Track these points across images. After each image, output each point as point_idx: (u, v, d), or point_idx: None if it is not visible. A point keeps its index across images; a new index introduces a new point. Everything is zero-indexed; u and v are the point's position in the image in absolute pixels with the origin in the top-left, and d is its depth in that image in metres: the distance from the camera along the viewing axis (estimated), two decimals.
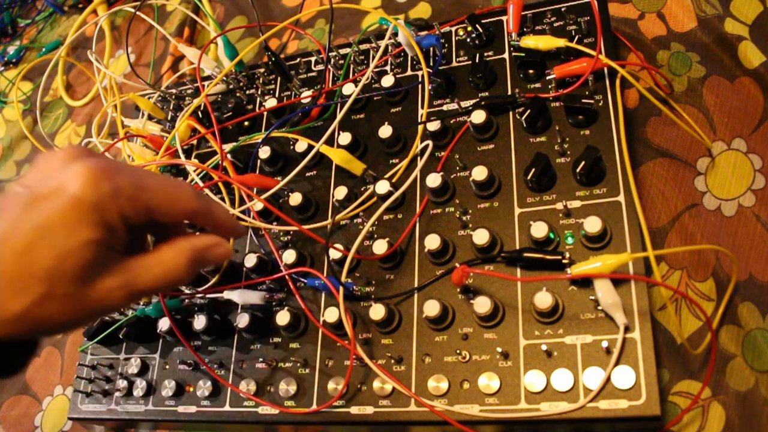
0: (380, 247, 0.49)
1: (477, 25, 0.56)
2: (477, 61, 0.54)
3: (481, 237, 0.46)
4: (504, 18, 0.57)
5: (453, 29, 0.59)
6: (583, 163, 0.46)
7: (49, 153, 0.36)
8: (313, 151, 0.55)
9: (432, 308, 0.46)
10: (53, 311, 0.34)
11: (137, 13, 0.77)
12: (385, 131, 0.55)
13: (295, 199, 0.55)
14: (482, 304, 0.44)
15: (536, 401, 0.42)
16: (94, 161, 0.34)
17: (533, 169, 0.48)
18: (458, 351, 0.45)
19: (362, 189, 0.54)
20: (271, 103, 0.63)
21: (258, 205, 0.56)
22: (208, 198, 0.40)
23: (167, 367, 0.57)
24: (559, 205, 0.47)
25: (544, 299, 0.43)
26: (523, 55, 0.53)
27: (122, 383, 0.57)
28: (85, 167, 0.34)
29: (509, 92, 0.54)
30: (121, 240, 0.35)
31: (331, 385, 0.49)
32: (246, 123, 0.64)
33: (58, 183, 0.34)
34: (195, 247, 0.38)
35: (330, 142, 0.56)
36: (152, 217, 0.36)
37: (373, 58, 0.59)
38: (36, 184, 0.34)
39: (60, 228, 0.33)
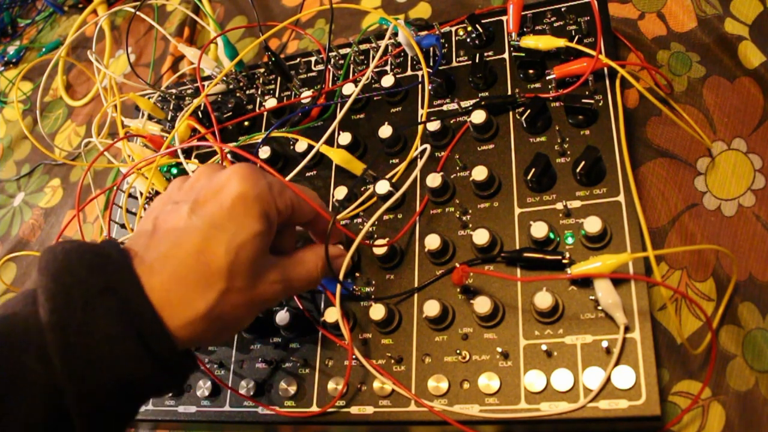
0: (380, 247, 0.49)
1: (477, 25, 0.56)
2: (477, 61, 0.54)
3: (481, 237, 0.46)
4: (504, 18, 0.57)
5: (453, 29, 0.59)
6: (583, 163, 0.46)
7: (182, 177, 0.40)
8: (313, 151, 0.55)
9: (432, 308, 0.46)
10: (234, 305, 0.36)
11: (137, 13, 0.77)
12: (385, 131, 0.55)
13: None
14: (482, 304, 0.44)
15: (536, 401, 0.42)
16: (242, 164, 0.38)
17: (533, 169, 0.48)
18: (458, 351, 0.45)
19: (362, 189, 0.54)
20: (271, 103, 0.63)
21: None
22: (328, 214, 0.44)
23: None
24: (559, 205, 0.47)
25: (544, 299, 0.43)
26: (523, 55, 0.53)
27: None
28: (239, 168, 0.37)
29: (509, 92, 0.54)
30: (272, 236, 0.38)
31: (331, 385, 0.49)
32: (246, 123, 0.65)
33: (215, 186, 0.37)
34: (329, 254, 0.42)
35: (330, 142, 0.56)
36: (293, 214, 0.40)
37: (373, 58, 0.59)
38: (189, 196, 0.37)
39: (230, 223, 0.35)
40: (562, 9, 0.54)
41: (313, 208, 0.41)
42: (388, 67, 0.61)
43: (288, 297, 0.41)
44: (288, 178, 0.55)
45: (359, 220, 0.54)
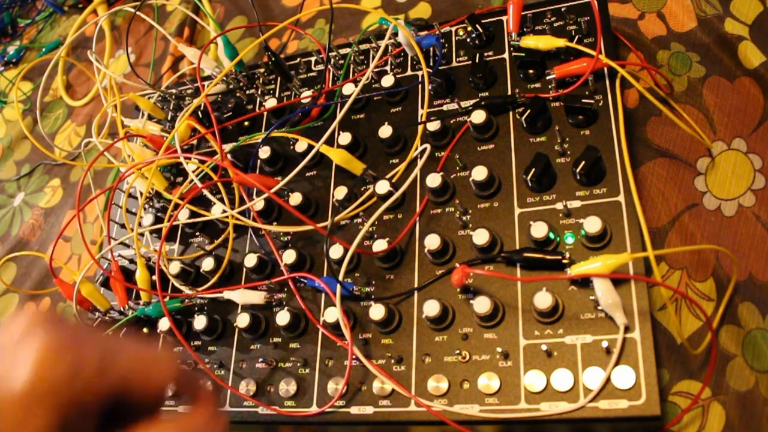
0: (380, 246, 0.49)
1: (477, 25, 0.56)
2: (477, 61, 0.54)
3: (481, 237, 0.46)
4: (504, 18, 0.57)
5: (453, 29, 0.59)
6: (583, 163, 0.46)
7: (9, 319, 0.33)
8: (313, 151, 0.55)
9: (432, 308, 0.46)
10: None
11: (137, 13, 0.77)
12: (385, 131, 0.55)
13: (295, 199, 0.55)
14: (482, 304, 0.44)
15: (536, 401, 0.42)
16: (52, 335, 0.30)
17: (533, 169, 0.48)
18: (458, 351, 0.45)
19: (362, 189, 0.54)
20: (271, 103, 0.63)
21: (258, 205, 0.56)
22: (187, 372, 0.35)
23: None
24: (559, 205, 0.47)
25: (544, 299, 0.43)
26: (523, 55, 0.53)
27: None
28: (40, 344, 0.30)
29: (509, 92, 0.54)
30: (88, 419, 0.31)
31: (331, 385, 0.49)
32: (246, 123, 0.64)
33: (12, 362, 0.30)
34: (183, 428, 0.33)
35: (330, 142, 0.56)
36: (125, 395, 0.32)
37: (373, 58, 0.59)
38: None
39: (11, 417, 0.29)
40: (562, 9, 0.54)
41: (160, 385, 0.32)
42: (388, 67, 0.61)
43: None
44: (288, 178, 0.55)
45: (359, 220, 0.54)
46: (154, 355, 0.33)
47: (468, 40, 0.57)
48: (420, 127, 0.54)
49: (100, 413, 0.31)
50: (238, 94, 0.67)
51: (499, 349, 0.44)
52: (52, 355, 0.29)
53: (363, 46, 0.62)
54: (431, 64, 0.58)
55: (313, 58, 0.65)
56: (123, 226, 0.65)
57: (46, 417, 0.29)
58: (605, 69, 0.50)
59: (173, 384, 0.33)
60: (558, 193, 0.48)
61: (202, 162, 0.60)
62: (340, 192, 0.54)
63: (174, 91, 0.72)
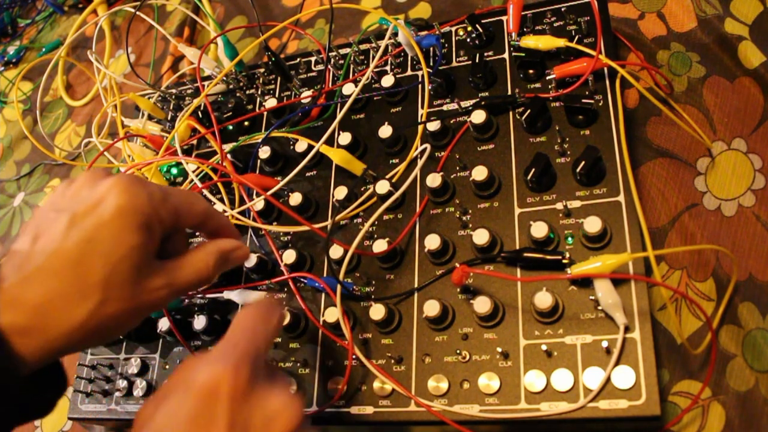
0: (380, 246, 0.49)
1: (477, 25, 0.56)
2: (477, 61, 0.54)
3: (481, 237, 0.46)
4: (504, 18, 0.57)
5: (453, 29, 0.59)
6: (583, 163, 0.46)
7: (68, 180, 0.39)
8: (313, 151, 0.55)
9: (432, 308, 0.46)
10: (112, 315, 0.36)
11: (137, 13, 0.77)
12: (385, 131, 0.55)
13: (295, 199, 0.55)
14: (482, 304, 0.44)
15: (536, 401, 0.42)
16: (122, 175, 0.37)
17: (533, 169, 0.48)
18: (458, 351, 0.45)
19: (362, 189, 0.54)
20: (271, 103, 0.63)
21: (258, 205, 0.56)
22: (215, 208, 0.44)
23: (167, 367, 0.57)
24: (559, 205, 0.47)
25: (544, 299, 0.43)
26: (523, 55, 0.53)
27: (122, 383, 0.57)
28: (117, 180, 0.37)
29: (509, 92, 0.54)
30: (157, 244, 0.38)
31: (331, 385, 0.49)
32: (246, 123, 0.65)
33: (96, 198, 0.36)
34: (220, 249, 0.42)
35: (330, 142, 0.56)
36: (178, 220, 0.40)
37: (373, 58, 0.59)
38: (71, 205, 0.37)
39: (108, 237, 0.35)
40: (562, 9, 0.54)
41: (200, 210, 0.41)
42: (388, 67, 0.61)
43: (178, 297, 0.41)
44: (288, 178, 0.55)
45: (359, 220, 0.54)
46: (192, 192, 0.43)
47: (468, 40, 0.57)
48: (420, 127, 0.54)
49: (162, 235, 0.39)
50: (238, 94, 0.67)
51: (499, 349, 0.44)
52: (131, 187, 0.37)
53: (363, 46, 0.62)
54: (431, 64, 0.58)
55: (313, 58, 0.65)
56: None
57: (134, 233, 0.36)
58: (605, 69, 0.50)
59: (206, 216, 0.42)
60: (558, 193, 0.48)
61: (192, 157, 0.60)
62: (340, 192, 0.54)
63: (174, 91, 0.72)
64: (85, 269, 0.35)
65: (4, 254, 0.81)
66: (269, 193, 0.55)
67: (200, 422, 0.32)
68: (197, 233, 0.62)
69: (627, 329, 0.42)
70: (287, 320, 0.51)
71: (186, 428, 0.32)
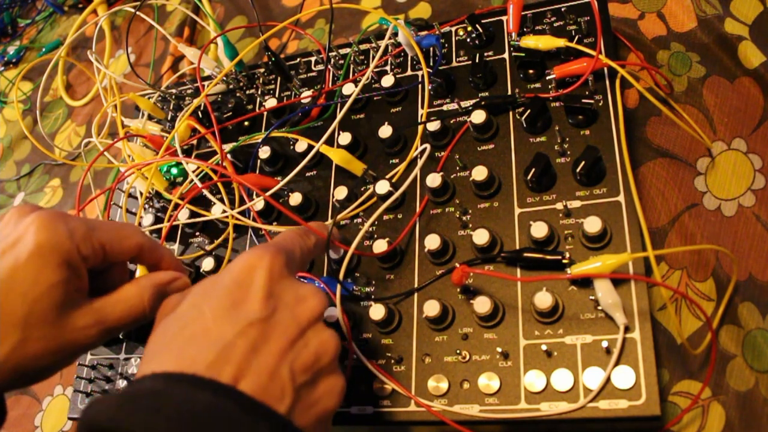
0: (380, 246, 0.49)
1: (477, 25, 0.56)
2: (477, 61, 0.54)
3: (481, 237, 0.46)
4: (504, 18, 0.57)
5: (453, 29, 0.59)
6: (583, 163, 0.46)
7: None
8: (313, 151, 0.55)
9: (432, 308, 0.46)
10: (33, 355, 0.36)
11: (137, 13, 0.77)
12: (385, 131, 0.55)
13: (295, 199, 0.55)
14: (482, 304, 0.44)
15: (536, 401, 0.42)
16: (43, 212, 0.37)
17: (533, 169, 0.48)
18: (458, 351, 0.45)
19: (362, 189, 0.54)
20: (271, 103, 0.63)
21: (257, 205, 0.56)
22: (153, 238, 0.44)
23: None
24: (559, 205, 0.47)
25: (544, 299, 0.43)
26: (523, 55, 0.53)
27: (122, 383, 0.57)
28: (37, 216, 0.36)
29: (509, 92, 0.54)
30: (83, 281, 0.38)
31: None
32: (246, 123, 0.65)
33: (16, 236, 0.36)
34: (156, 282, 0.41)
35: (330, 142, 0.56)
36: (105, 255, 0.39)
37: (373, 58, 0.59)
38: None
39: (26, 275, 0.35)
40: (562, 9, 0.54)
41: (132, 245, 0.40)
42: (388, 67, 0.61)
43: (112, 336, 0.40)
44: (288, 178, 0.55)
45: (359, 220, 0.54)
46: (125, 224, 0.42)
47: (468, 40, 0.57)
48: (420, 127, 0.54)
49: (93, 272, 0.38)
50: (238, 94, 0.67)
51: (499, 349, 0.44)
52: (50, 223, 0.36)
53: (363, 46, 0.62)
54: (431, 64, 0.58)
55: (313, 58, 0.65)
56: None
57: (54, 271, 0.35)
58: (605, 69, 0.50)
59: (141, 249, 0.41)
60: (558, 193, 0.48)
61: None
62: (340, 192, 0.54)
63: (174, 91, 0.72)
64: (3, 308, 0.35)
65: None
66: (268, 193, 0.54)
67: (239, 290, 0.35)
68: (197, 235, 0.62)
69: (627, 329, 0.42)
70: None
71: (225, 295, 0.35)
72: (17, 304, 0.35)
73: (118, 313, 0.39)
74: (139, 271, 0.59)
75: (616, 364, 0.41)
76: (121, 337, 0.58)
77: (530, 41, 0.53)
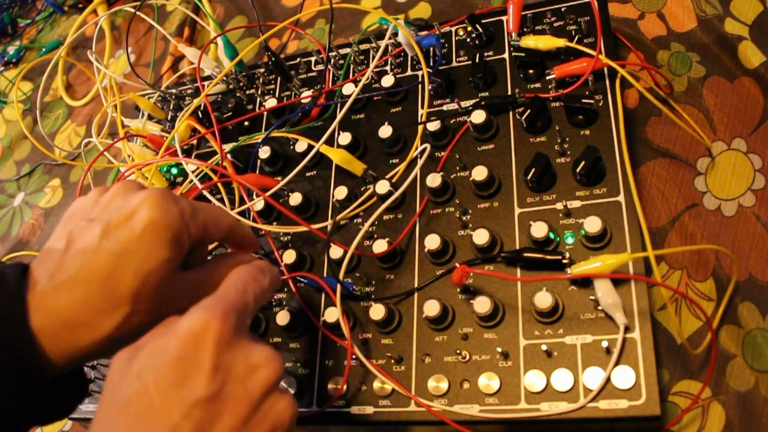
0: (380, 247, 0.49)
1: (477, 25, 0.56)
2: (477, 61, 0.54)
3: (481, 237, 0.46)
4: (504, 18, 0.57)
5: (453, 29, 0.59)
6: (583, 163, 0.46)
7: (101, 188, 0.40)
8: (313, 151, 0.55)
9: (432, 308, 0.46)
10: (138, 326, 0.37)
11: (137, 13, 0.77)
12: (385, 131, 0.55)
13: (295, 199, 0.55)
14: (482, 304, 0.44)
15: (536, 401, 0.42)
16: (155, 190, 0.38)
17: (533, 169, 0.48)
18: (458, 351, 0.45)
19: (362, 189, 0.54)
20: (271, 103, 0.63)
21: (257, 205, 0.56)
22: (241, 222, 0.46)
23: None
24: (559, 205, 0.47)
25: (544, 299, 0.43)
26: (523, 55, 0.53)
27: None
28: (150, 194, 0.37)
29: (509, 92, 0.54)
30: (183, 257, 0.39)
31: (331, 385, 0.49)
32: (246, 123, 0.65)
33: (128, 210, 0.37)
34: (240, 262, 0.42)
35: (330, 142, 0.56)
36: (206, 235, 0.40)
37: (373, 58, 0.59)
38: (103, 215, 0.38)
39: (140, 250, 0.36)
40: (562, 9, 0.54)
41: (226, 225, 0.42)
42: (388, 67, 0.61)
43: None
44: (288, 178, 0.55)
45: (359, 220, 0.54)
46: (218, 207, 0.44)
47: (468, 40, 0.57)
48: (420, 127, 0.54)
49: (190, 248, 0.39)
50: (238, 94, 0.67)
51: (499, 349, 0.44)
52: (164, 202, 0.37)
53: (363, 46, 0.62)
54: (431, 64, 0.58)
55: (313, 58, 0.65)
56: None
57: (166, 247, 0.36)
58: (605, 69, 0.50)
59: (231, 230, 0.42)
60: (558, 193, 0.48)
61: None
62: (340, 192, 0.54)
63: (174, 91, 0.72)
64: (116, 282, 0.35)
65: (4, 255, 0.81)
66: (268, 194, 0.54)
67: (184, 365, 0.33)
68: None
69: (627, 329, 0.42)
70: (287, 320, 0.51)
71: (169, 370, 0.33)
72: (129, 277, 0.36)
73: (211, 288, 0.39)
74: None
75: (616, 364, 0.41)
76: None
77: (530, 41, 0.53)
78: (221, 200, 0.59)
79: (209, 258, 0.43)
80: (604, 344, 0.41)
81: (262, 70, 0.68)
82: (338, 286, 0.49)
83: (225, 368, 0.33)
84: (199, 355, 0.33)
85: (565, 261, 0.44)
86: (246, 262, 0.42)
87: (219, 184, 0.60)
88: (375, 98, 0.59)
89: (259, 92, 0.66)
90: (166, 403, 0.32)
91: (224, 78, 0.67)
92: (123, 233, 0.36)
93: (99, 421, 0.33)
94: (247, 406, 0.33)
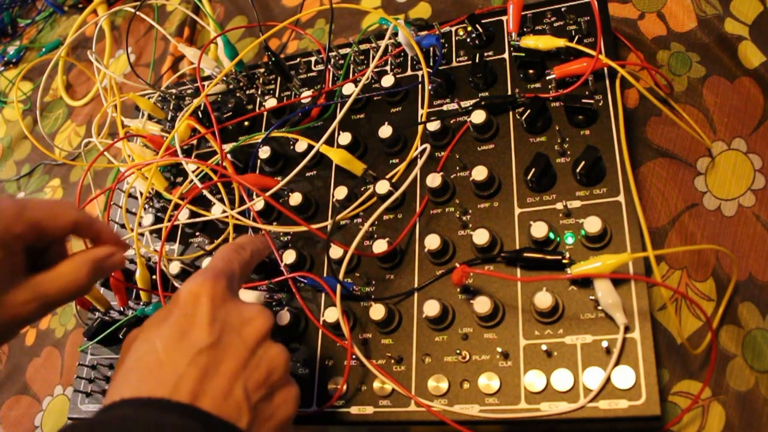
0: (380, 247, 0.49)
1: (477, 25, 0.56)
2: (477, 61, 0.54)
3: (481, 237, 0.46)
4: (504, 18, 0.57)
5: (453, 29, 0.59)
6: (583, 163, 0.46)
7: None
8: (313, 151, 0.55)
9: (432, 308, 0.46)
10: None
11: (137, 13, 0.77)
12: (385, 131, 0.55)
13: (295, 199, 0.55)
14: (482, 304, 0.44)
15: (536, 401, 0.42)
16: None
17: (533, 169, 0.48)
18: (458, 351, 0.45)
19: (362, 189, 0.54)
20: (271, 103, 0.63)
21: (257, 205, 0.56)
22: (90, 213, 0.45)
23: None
24: (559, 205, 0.47)
25: (544, 299, 0.43)
26: (523, 55, 0.53)
27: None
28: None
29: (509, 92, 0.54)
30: (18, 258, 0.39)
31: (331, 385, 0.49)
32: (246, 123, 0.65)
33: None
34: (93, 258, 0.42)
35: (330, 142, 0.56)
36: (42, 233, 0.40)
37: (373, 58, 0.59)
38: None
39: None
40: (562, 9, 0.54)
41: (67, 221, 0.41)
42: (388, 67, 0.61)
43: (53, 310, 0.44)
44: (288, 178, 0.55)
45: (359, 220, 0.54)
46: (58, 201, 0.44)
47: (468, 40, 0.57)
48: (420, 127, 0.54)
49: (23, 251, 0.39)
50: (238, 94, 0.67)
51: (499, 349, 0.44)
52: None
53: (363, 46, 0.62)
54: (431, 64, 0.58)
55: (313, 58, 0.65)
56: (123, 226, 0.65)
57: None
58: (605, 69, 0.50)
59: (77, 224, 0.41)
60: (558, 193, 0.48)
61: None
62: (340, 192, 0.54)
63: (174, 91, 0.72)
64: None
65: None
66: (268, 194, 0.55)
67: (185, 320, 0.37)
68: (197, 235, 0.62)
69: (627, 329, 0.42)
70: (287, 320, 0.51)
71: (173, 328, 0.36)
72: None
73: (56, 288, 0.40)
74: (139, 270, 0.59)
75: (616, 364, 0.41)
76: (121, 336, 0.58)
77: (530, 41, 0.53)
78: (221, 200, 0.59)
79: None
80: (604, 344, 0.41)
81: (262, 70, 0.68)
82: (338, 286, 0.49)
83: (221, 320, 0.37)
84: (197, 310, 0.37)
85: (565, 261, 0.44)
86: (100, 255, 0.42)
87: (219, 184, 0.60)
88: (375, 98, 0.59)
89: (259, 92, 0.66)
90: (172, 355, 0.35)
91: (224, 78, 0.67)
92: None
93: (114, 382, 0.36)
94: (244, 351, 0.37)
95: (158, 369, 0.35)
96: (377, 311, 0.47)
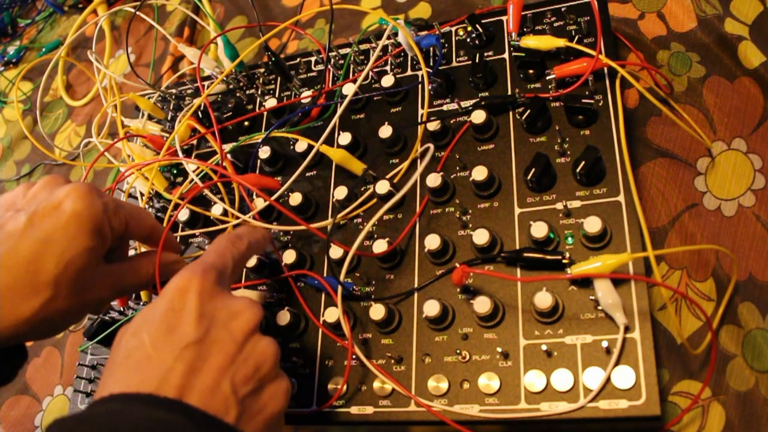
0: (380, 247, 0.49)
1: (477, 25, 0.56)
2: (477, 61, 0.54)
3: (481, 237, 0.46)
4: (504, 18, 0.57)
5: (453, 29, 0.59)
6: (583, 163, 0.46)
7: (27, 183, 0.43)
8: (313, 151, 0.55)
9: (432, 308, 0.46)
10: (58, 310, 0.39)
11: (137, 13, 0.77)
12: (385, 131, 0.55)
13: (295, 199, 0.55)
14: (482, 304, 0.44)
15: (536, 401, 0.42)
16: (80, 183, 0.41)
17: (533, 169, 0.48)
18: (458, 351, 0.45)
19: (362, 189, 0.54)
20: (271, 103, 0.63)
21: (257, 205, 0.56)
22: (163, 225, 0.49)
23: None
24: (559, 205, 0.47)
25: (544, 299, 0.43)
26: (523, 55, 0.53)
27: None
28: (76, 187, 0.40)
29: (509, 92, 0.54)
30: (105, 249, 0.42)
31: (331, 385, 0.49)
32: (246, 123, 0.65)
33: (54, 201, 0.39)
34: (164, 261, 0.46)
35: (330, 142, 0.56)
36: (127, 230, 0.43)
37: None
38: (29, 206, 0.40)
39: (63, 239, 0.39)
40: (562, 9, 0.54)
41: (148, 225, 0.46)
42: (388, 67, 0.61)
43: (118, 298, 0.50)
44: (289, 182, 0.55)
45: (359, 220, 0.54)
46: (142, 208, 0.49)
47: (468, 40, 0.57)
48: (420, 127, 0.54)
49: (112, 242, 0.42)
50: (238, 94, 0.67)
51: (499, 349, 0.44)
52: (88, 195, 0.40)
53: (363, 46, 0.62)
54: (431, 64, 0.58)
55: (313, 58, 0.65)
56: None
57: (88, 237, 0.39)
58: (605, 69, 0.50)
59: (154, 231, 0.46)
60: (558, 193, 0.48)
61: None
62: (340, 192, 0.54)
63: (174, 91, 0.72)
64: (38, 267, 0.38)
65: None
66: (273, 197, 0.55)
67: (173, 315, 0.37)
68: (197, 235, 0.62)
69: (627, 329, 0.42)
70: (287, 320, 0.51)
71: (160, 323, 0.37)
72: (52, 264, 0.38)
73: (130, 280, 0.44)
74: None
75: (616, 364, 0.41)
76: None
77: (530, 41, 0.53)
78: (221, 200, 0.59)
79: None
80: (604, 344, 0.41)
81: (262, 70, 0.68)
82: (339, 287, 0.49)
83: (209, 315, 0.37)
84: (185, 305, 0.37)
85: (565, 261, 0.44)
86: (169, 260, 0.46)
87: (219, 184, 0.60)
88: (375, 98, 0.59)
89: (259, 92, 0.66)
90: (160, 350, 0.35)
91: (224, 78, 0.67)
92: (48, 222, 0.39)
93: (104, 377, 0.36)
94: (231, 346, 0.37)
95: (146, 364, 0.35)
96: (377, 311, 0.47)
